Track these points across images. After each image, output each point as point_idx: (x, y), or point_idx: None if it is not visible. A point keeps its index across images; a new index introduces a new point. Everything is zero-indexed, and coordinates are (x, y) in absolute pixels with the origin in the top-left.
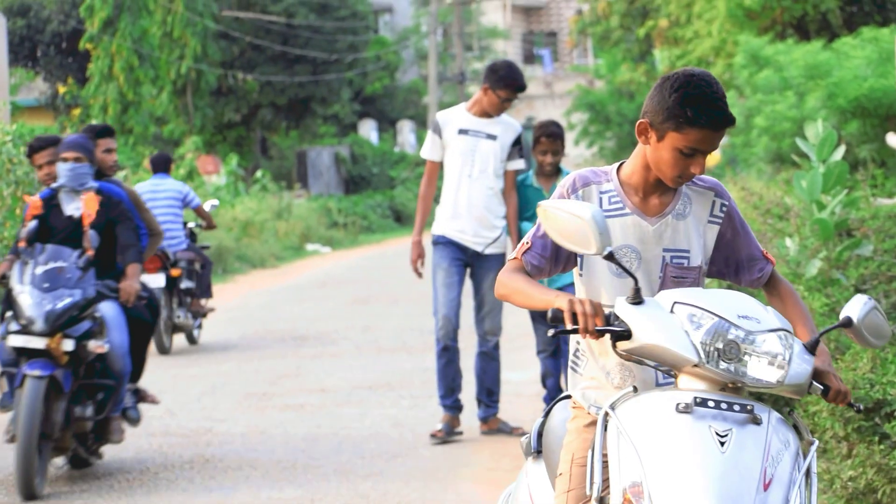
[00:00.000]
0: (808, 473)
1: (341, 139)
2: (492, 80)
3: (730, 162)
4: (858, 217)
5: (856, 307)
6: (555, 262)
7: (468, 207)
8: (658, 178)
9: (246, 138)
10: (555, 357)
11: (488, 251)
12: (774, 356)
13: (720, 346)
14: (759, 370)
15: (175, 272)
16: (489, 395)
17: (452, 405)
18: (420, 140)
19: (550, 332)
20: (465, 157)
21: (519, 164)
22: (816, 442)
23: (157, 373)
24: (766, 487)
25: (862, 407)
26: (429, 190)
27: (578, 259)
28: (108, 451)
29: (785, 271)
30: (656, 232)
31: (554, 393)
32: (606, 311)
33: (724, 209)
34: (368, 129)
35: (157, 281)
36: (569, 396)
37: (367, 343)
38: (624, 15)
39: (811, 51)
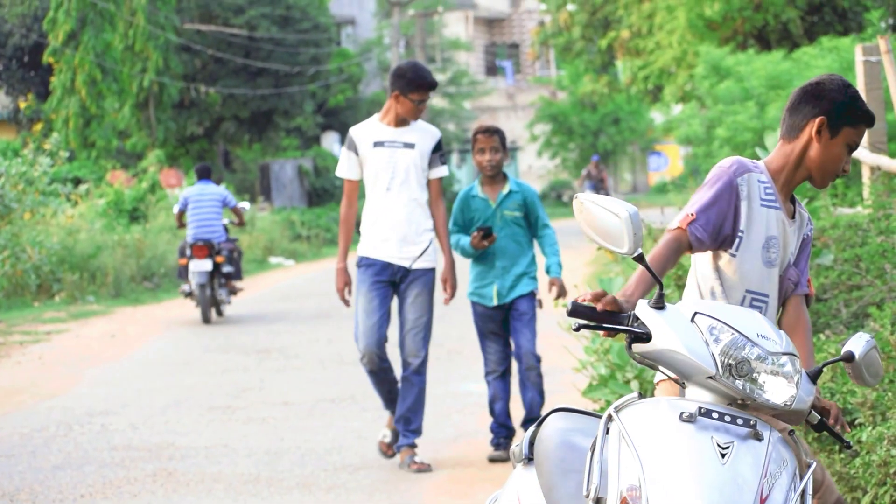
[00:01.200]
0: (802, 494)
1: (304, 152)
2: (401, 86)
3: (692, 173)
4: (819, 227)
5: (858, 344)
6: (714, 238)
7: (391, 223)
8: (799, 180)
9: (209, 151)
10: (504, 379)
11: (416, 266)
12: (790, 378)
13: (733, 362)
14: (773, 390)
15: (219, 259)
16: (406, 423)
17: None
18: None
19: (574, 327)
20: (384, 171)
21: (442, 171)
22: (815, 463)
23: (122, 385)
24: (762, 503)
25: (851, 444)
26: (350, 211)
27: (736, 240)
28: (71, 465)
29: None
30: (791, 232)
31: (503, 419)
32: (627, 312)
33: (811, 225)
34: (331, 142)
35: (205, 266)
36: (561, 409)
37: (331, 356)
38: (586, 26)
39: (772, 61)
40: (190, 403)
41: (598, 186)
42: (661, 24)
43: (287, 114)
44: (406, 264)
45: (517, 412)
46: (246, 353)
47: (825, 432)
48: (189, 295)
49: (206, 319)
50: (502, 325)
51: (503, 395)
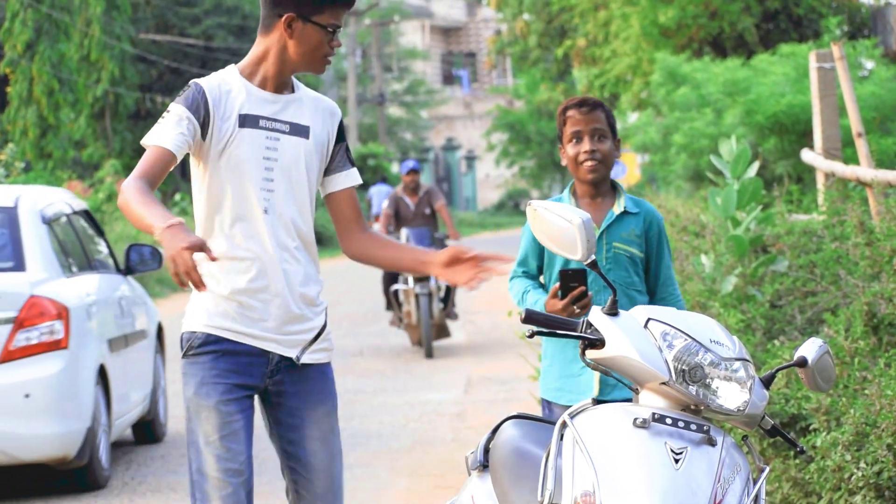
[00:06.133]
0: (756, 499)
1: None
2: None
3: (649, 180)
4: (773, 233)
5: (810, 349)
6: None
7: (271, 273)
8: None
9: None
10: None
11: (308, 359)
12: (743, 383)
13: (686, 367)
14: (727, 395)
15: None
16: None
17: None
18: None
19: (528, 334)
20: (258, 172)
21: (353, 175)
22: (767, 469)
23: None
24: None
25: (805, 448)
26: (146, 189)
27: None
28: (29, 471)
29: (700, 288)
30: None
31: None
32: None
33: None
34: None
35: None
36: (517, 416)
37: None
38: (542, 35)
39: (729, 67)
40: None
41: (429, 231)
42: (617, 32)
43: None
44: (292, 353)
45: None
46: None
47: (779, 437)
48: None
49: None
50: None
51: None
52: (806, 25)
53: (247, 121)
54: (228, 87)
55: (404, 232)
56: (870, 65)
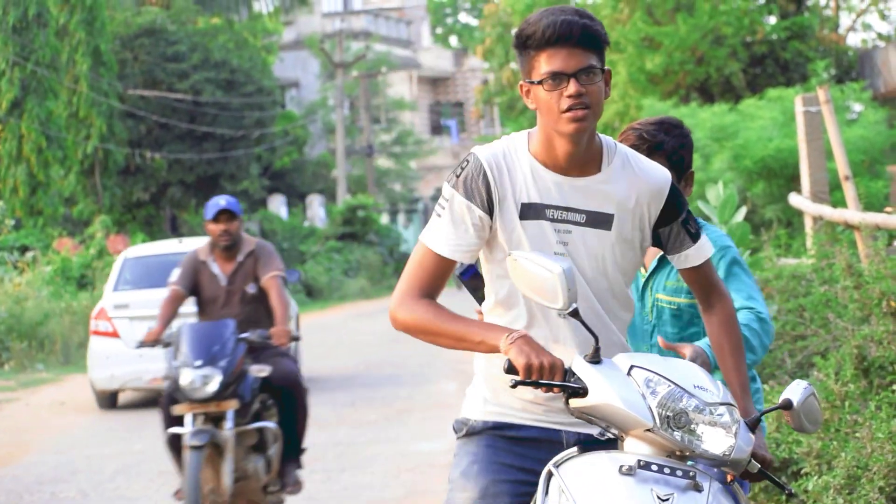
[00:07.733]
0: None
1: (251, 215)
2: (524, 58)
3: None
4: (762, 277)
5: (796, 391)
6: None
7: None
8: None
9: (156, 217)
10: None
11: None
12: (728, 428)
13: (670, 414)
14: (712, 441)
15: None
16: None
17: None
18: (331, 215)
19: (510, 384)
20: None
21: (700, 251)
22: None
23: (72, 452)
24: None
25: (794, 490)
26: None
27: None
28: None
29: None
30: None
31: None
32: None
33: None
34: (278, 205)
35: None
36: None
37: None
38: None
39: (717, 113)
40: (140, 468)
41: (243, 323)
42: None
43: (233, 177)
44: (593, 430)
45: None
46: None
47: (767, 481)
48: None
49: None
50: None
51: None
52: (793, 69)
53: (530, 211)
54: (512, 164)
55: (183, 327)
56: (858, 107)
